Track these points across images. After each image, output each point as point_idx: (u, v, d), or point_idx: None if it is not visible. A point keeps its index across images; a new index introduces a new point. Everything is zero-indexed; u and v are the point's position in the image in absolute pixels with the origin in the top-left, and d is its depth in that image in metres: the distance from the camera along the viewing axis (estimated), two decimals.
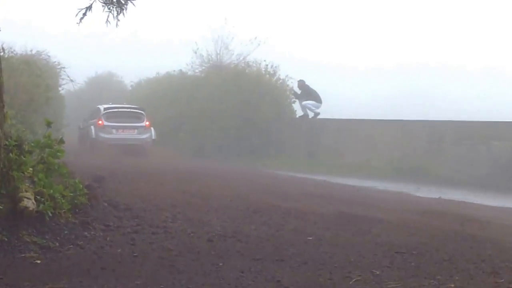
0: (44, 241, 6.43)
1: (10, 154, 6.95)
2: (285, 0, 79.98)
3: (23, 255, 6.05)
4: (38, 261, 5.92)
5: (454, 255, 6.81)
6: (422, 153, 20.36)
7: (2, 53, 16.59)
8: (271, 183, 14.63)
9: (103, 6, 8.06)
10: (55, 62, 29.23)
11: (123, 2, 8.05)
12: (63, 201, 7.17)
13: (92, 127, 25.14)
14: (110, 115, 25.29)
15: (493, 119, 20.37)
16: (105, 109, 25.85)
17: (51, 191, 7.09)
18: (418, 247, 7.15)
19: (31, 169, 7.33)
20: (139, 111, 25.91)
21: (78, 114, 30.27)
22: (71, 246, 6.51)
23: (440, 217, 9.89)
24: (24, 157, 7.20)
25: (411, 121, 22.13)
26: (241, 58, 30.42)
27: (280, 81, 27.72)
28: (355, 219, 9.05)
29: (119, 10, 8.08)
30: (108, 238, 6.96)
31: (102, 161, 17.97)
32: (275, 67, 27.78)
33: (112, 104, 27.68)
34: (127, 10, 8.11)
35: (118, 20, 8.11)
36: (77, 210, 7.54)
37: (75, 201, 7.56)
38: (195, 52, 31.37)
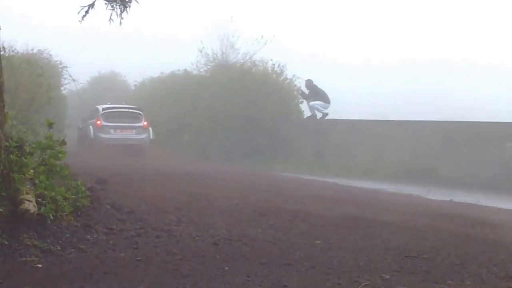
0: (46, 245, 6.43)
1: (11, 156, 6.95)
2: None
3: (24, 259, 6.05)
4: (39, 265, 5.92)
5: (466, 259, 6.80)
6: (433, 155, 20.30)
7: (2, 52, 16.62)
8: (277, 185, 14.62)
9: (106, 3, 8.06)
10: (57, 61, 29.40)
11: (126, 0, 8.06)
12: (65, 203, 7.18)
13: (91, 127, 25.80)
14: (109, 115, 25.96)
15: (506, 119, 20.29)
16: (103, 109, 26.52)
17: (53, 193, 7.09)
18: (429, 251, 7.14)
19: (32, 171, 7.34)
20: (137, 111, 26.54)
21: (81, 114, 30.39)
22: (73, 249, 6.50)
23: (452, 220, 9.87)
24: (25, 158, 7.21)
25: (421, 121, 22.09)
26: (247, 57, 30.47)
27: (287, 80, 27.72)
28: (364, 222, 9.04)
29: (122, 8, 8.09)
30: (111, 242, 6.95)
31: (104, 162, 18.00)
32: (282, 66, 27.83)
33: (110, 104, 28.32)
34: (130, 8, 8.12)
35: (122, 18, 8.12)
36: (79, 213, 7.54)
37: (77, 204, 7.57)
38: (200, 51, 31.46)
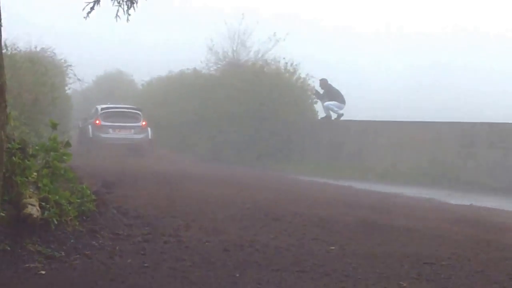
0: (49, 251, 6.44)
1: (13, 158, 6.97)
2: None
3: (27, 265, 6.06)
4: (43, 272, 5.93)
5: (487, 266, 6.77)
6: (452, 157, 20.21)
7: (4, 50, 16.66)
8: (291, 189, 14.62)
9: (112, 0, 8.07)
10: (61, 59, 29.46)
11: None
12: (69, 208, 7.19)
13: (90, 126, 27.03)
14: (107, 115, 27.22)
15: None
16: (102, 109, 27.78)
17: (57, 197, 7.11)
18: (448, 258, 7.11)
19: (35, 173, 7.35)
20: (136, 111, 27.83)
21: (85, 114, 30.57)
22: (78, 256, 6.51)
23: (472, 226, 9.83)
24: (28, 161, 7.23)
25: (440, 122, 21.97)
26: (259, 56, 30.43)
27: (301, 80, 27.63)
28: (380, 228, 9.02)
29: (129, 4, 8.09)
30: (117, 248, 6.96)
31: (108, 163, 18.05)
32: (295, 65, 27.71)
33: (110, 104, 29.73)
34: (137, 4, 8.13)
35: (129, 14, 8.12)
36: (84, 217, 7.56)
37: (82, 208, 7.59)
38: (210, 49, 31.48)
